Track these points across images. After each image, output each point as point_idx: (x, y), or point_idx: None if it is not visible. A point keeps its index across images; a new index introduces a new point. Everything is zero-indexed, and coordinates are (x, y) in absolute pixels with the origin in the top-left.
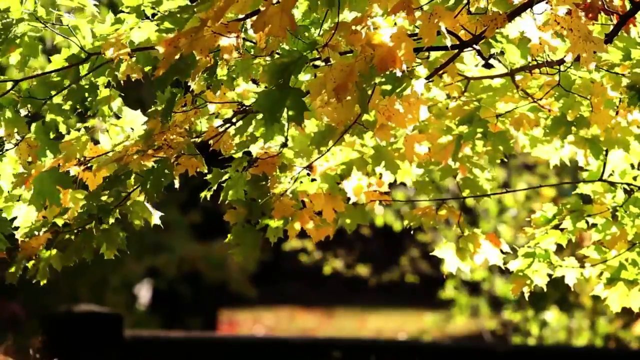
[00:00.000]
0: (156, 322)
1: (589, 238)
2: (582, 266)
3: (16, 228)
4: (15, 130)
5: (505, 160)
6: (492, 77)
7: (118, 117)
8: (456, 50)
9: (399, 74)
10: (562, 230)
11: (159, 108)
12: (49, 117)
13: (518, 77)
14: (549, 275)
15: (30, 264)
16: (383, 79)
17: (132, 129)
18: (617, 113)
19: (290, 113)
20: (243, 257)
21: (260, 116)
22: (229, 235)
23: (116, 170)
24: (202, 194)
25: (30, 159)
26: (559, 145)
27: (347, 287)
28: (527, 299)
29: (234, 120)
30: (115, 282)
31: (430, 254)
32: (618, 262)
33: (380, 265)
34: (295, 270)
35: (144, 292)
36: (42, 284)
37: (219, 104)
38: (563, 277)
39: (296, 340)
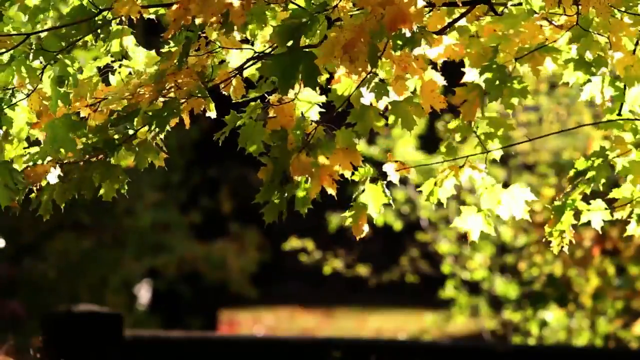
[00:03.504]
0: (156, 322)
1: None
2: (610, 208)
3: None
4: (27, 81)
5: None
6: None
7: (128, 58)
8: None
9: (408, 34)
10: (588, 180)
11: (173, 50)
12: (61, 69)
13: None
14: (574, 226)
15: (32, 196)
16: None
17: (144, 68)
18: (634, 52)
19: (304, 77)
20: (273, 218)
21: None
22: (256, 196)
23: (125, 107)
24: (217, 136)
25: (41, 109)
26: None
27: (347, 287)
28: (566, 251)
29: (245, 66)
30: (115, 282)
31: (451, 226)
32: None
33: (380, 265)
34: (295, 270)
35: (143, 292)
36: (44, 219)
37: (232, 49)
38: (589, 222)
39: (296, 340)
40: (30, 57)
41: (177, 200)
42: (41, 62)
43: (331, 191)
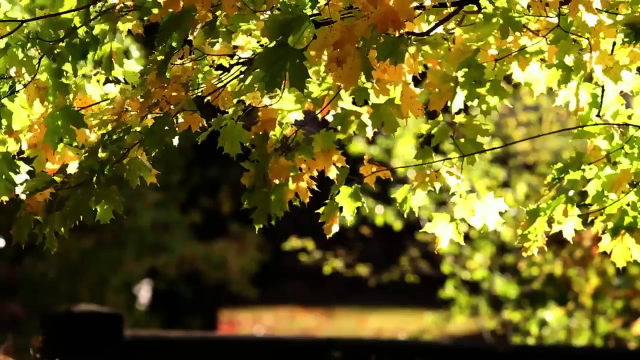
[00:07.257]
0: (156, 322)
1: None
2: (582, 216)
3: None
4: (24, 71)
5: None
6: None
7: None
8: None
9: (397, 34)
10: (565, 189)
11: (159, 58)
12: (58, 59)
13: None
14: (546, 233)
15: (37, 229)
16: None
17: (124, 79)
18: (612, 52)
19: (291, 77)
20: (262, 222)
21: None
22: (242, 201)
23: (114, 126)
24: (200, 138)
25: (38, 101)
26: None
27: (347, 287)
28: (536, 255)
29: (232, 71)
30: (115, 282)
31: (420, 231)
32: (617, 208)
33: (380, 265)
34: (295, 270)
35: (144, 292)
36: (52, 252)
37: (217, 56)
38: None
39: (296, 340)
40: (27, 45)
41: (177, 200)
42: (38, 51)
43: (304, 199)
